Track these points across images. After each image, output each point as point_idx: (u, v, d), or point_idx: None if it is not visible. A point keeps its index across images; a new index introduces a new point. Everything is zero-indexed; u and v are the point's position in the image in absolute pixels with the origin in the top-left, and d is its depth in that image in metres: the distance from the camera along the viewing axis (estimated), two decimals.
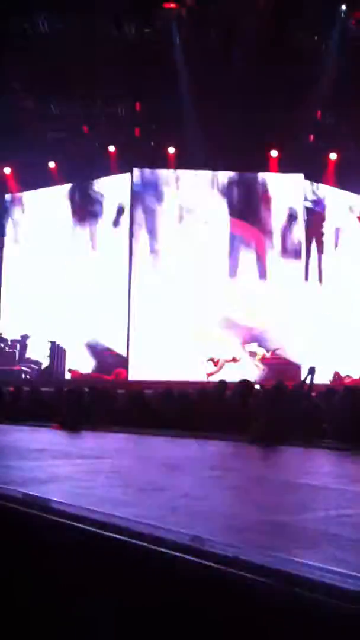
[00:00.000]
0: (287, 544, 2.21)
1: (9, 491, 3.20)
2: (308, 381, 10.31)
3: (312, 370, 11.33)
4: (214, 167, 17.44)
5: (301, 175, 17.30)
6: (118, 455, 5.67)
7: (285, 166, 17.57)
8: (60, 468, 4.69)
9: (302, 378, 11.12)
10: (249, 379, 9.80)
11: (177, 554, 2.01)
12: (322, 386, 13.09)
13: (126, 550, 2.21)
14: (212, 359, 16.64)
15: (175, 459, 5.13)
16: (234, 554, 1.94)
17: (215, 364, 16.66)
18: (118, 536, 2.29)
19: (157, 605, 2.05)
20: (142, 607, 2.11)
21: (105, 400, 9.46)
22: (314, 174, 17.77)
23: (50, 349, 16.45)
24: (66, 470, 4.54)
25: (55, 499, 2.92)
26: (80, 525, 2.46)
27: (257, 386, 10.04)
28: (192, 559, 1.96)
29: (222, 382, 9.58)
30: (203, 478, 3.98)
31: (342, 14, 15.14)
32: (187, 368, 16.58)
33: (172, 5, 15.33)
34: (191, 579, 1.95)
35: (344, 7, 15.06)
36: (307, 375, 11.49)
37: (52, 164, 17.85)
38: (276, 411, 6.82)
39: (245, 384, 9.20)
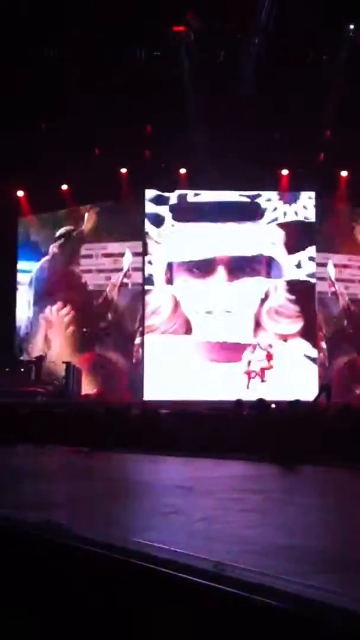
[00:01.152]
0: (308, 568, 2.20)
1: (26, 516, 3.21)
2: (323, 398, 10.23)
3: (327, 388, 11.23)
4: (225, 187, 17.56)
5: None
6: (134, 477, 5.66)
7: (296, 185, 17.65)
8: (77, 491, 4.69)
9: (315, 396, 11.03)
10: (265, 398, 9.77)
11: (200, 580, 2.01)
12: (340, 403, 12.99)
13: (146, 576, 2.21)
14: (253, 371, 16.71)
15: (192, 481, 5.11)
16: (257, 580, 1.94)
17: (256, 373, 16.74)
18: (137, 562, 2.28)
19: (180, 632, 2.04)
20: (164, 634, 2.11)
21: (120, 421, 9.45)
22: (326, 192, 17.82)
23: (66, 370, 16.47)
24: (82, 493, 4.53)
25: (73, 524, 2.92)
26: (99, 551, 2.47)
27: (272, 405, 10.01)
28: (215, 585, 1.96)
29: (238, 402, 9.56)
30: (221, 500, 3.96)
31: (350, 33, 15.24)
32: (201, 388, 16.59)
33: (181, 28, 15.51)
34: (214, 606, 1.95)
35: (352, 26, 15.17)
36: (320, 392, 11.38)
37: (64, 187, 18.04)
38: (293, 429, 6.79)
39: (261, 403, 9.18)
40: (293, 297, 17.26)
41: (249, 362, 16.87)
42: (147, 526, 3.05)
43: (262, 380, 16.69)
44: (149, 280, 17.33)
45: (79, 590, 2.42)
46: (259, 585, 1.91)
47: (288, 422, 7.04)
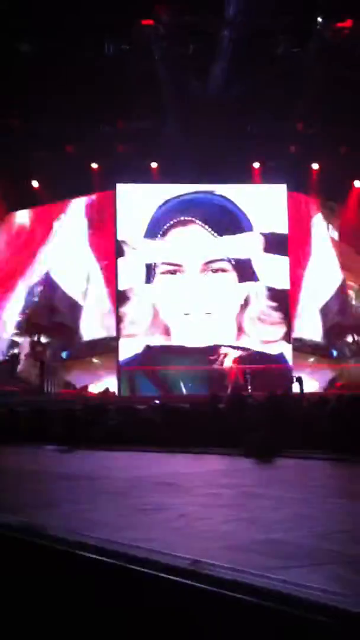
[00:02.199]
0: (286, 563, 2.20)
1: (2, 518, 3.18)
2: (296, 390, 10.28)
3: (299, 380, 11.45)
4: (197, 181, 17.59)
5: None
6: (113, 475, 5.63)
7: (268, 177, 17.73)
8: (55, 491, 4.66)
9: (287, 388, 11.21)
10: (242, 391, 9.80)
11: (177, 578, 2.00)
12: (316, 395, 13.12)
13: (125, 576, 2.20)
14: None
15: (171, 477, 5.10)
16: (233, 576, 1.93)
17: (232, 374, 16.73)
18: (116, 562, 2.27)
19: (156, 632, 2.03)
20: (141, 633, 2.10)
21: (99, 418, 9.42)
22: (297, 185, 17.93)
23: (40, 368, 16.40)
24: (62, 493, 4.51)
25: (51, 525, 2.89)
26: (77, 552, 2.45)
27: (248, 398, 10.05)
28: (192, 583, 1.95)
29: (215, 395, 9.58)
30: (200, 496, 3.96)
31: (318, 26, 15.33)
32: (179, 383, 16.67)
33: (150, 21, 15.48)
34: (192, 604, 1.94)
35: (319, 19, 15.25)
36: (292, 384, 11.59)
37: (35, 183, 17.89)
38: (271, 422, 6.82)
39: (237, 396, 9.21)
40: (275, 304, 17.34)
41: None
42: (125, 524, 3.03)
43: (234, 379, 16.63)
44: (124, 284, 17.28)
45: (54, 592, 2.40)
46: (237, 582, 1.90)
47: (263, 414, 7.07)
